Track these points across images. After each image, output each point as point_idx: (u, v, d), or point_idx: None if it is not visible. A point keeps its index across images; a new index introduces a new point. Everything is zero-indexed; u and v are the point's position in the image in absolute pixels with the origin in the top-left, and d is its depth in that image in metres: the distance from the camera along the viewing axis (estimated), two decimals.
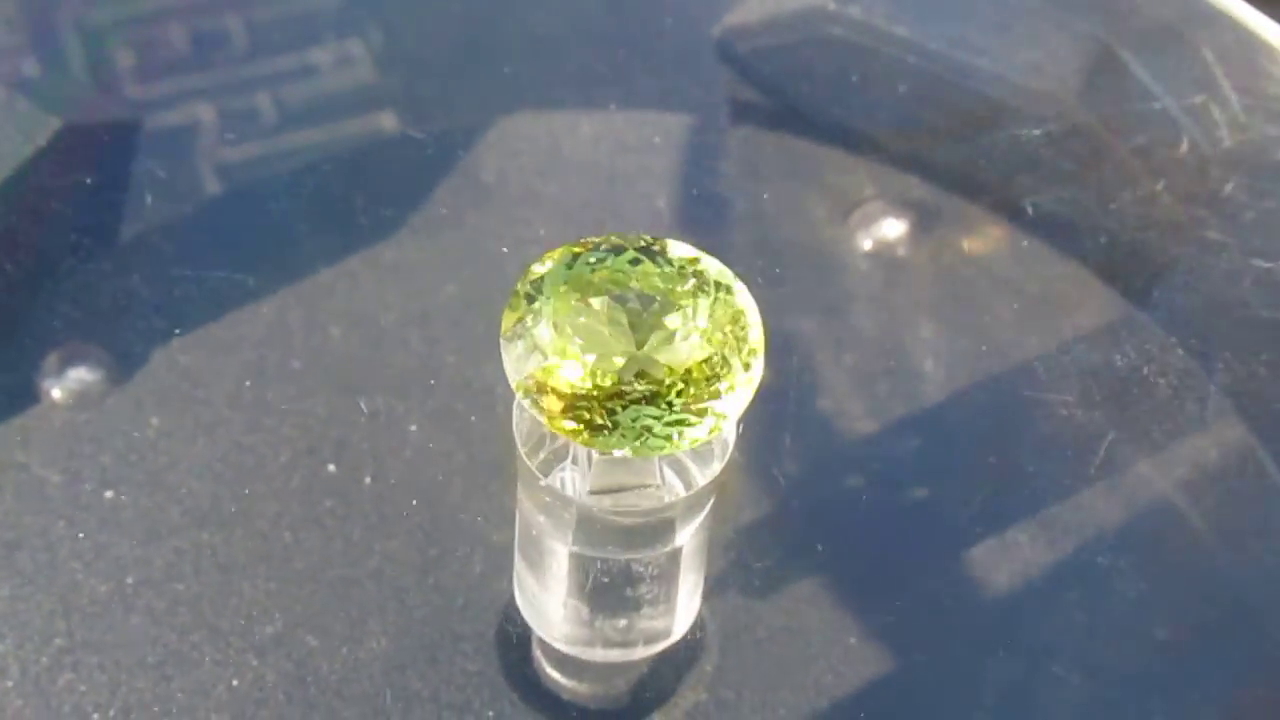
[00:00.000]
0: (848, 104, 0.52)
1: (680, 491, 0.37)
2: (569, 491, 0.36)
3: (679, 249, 0.34)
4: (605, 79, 0.52)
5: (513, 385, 0.33)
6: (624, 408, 0.32)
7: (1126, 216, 0.50)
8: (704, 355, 0.33)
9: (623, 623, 0.38)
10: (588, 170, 0.50)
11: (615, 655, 0.39)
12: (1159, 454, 0.45)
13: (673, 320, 0.33)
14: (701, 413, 0.33)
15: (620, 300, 0.33)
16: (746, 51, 0.53)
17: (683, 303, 0.33)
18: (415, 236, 0.48)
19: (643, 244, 0.34)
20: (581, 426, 0.32)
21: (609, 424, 0.32)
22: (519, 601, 0.40)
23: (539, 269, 0.33)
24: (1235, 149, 0.50)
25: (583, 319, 0.32)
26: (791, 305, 0.47)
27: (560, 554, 0.37)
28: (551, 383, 0.32)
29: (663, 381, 0.32)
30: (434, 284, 0.47)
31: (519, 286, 0.33)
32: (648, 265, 0.33)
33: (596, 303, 0.33)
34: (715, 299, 0.33)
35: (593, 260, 0.33)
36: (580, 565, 0.37)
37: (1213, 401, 0.46)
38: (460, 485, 0.43)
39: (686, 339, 0.33)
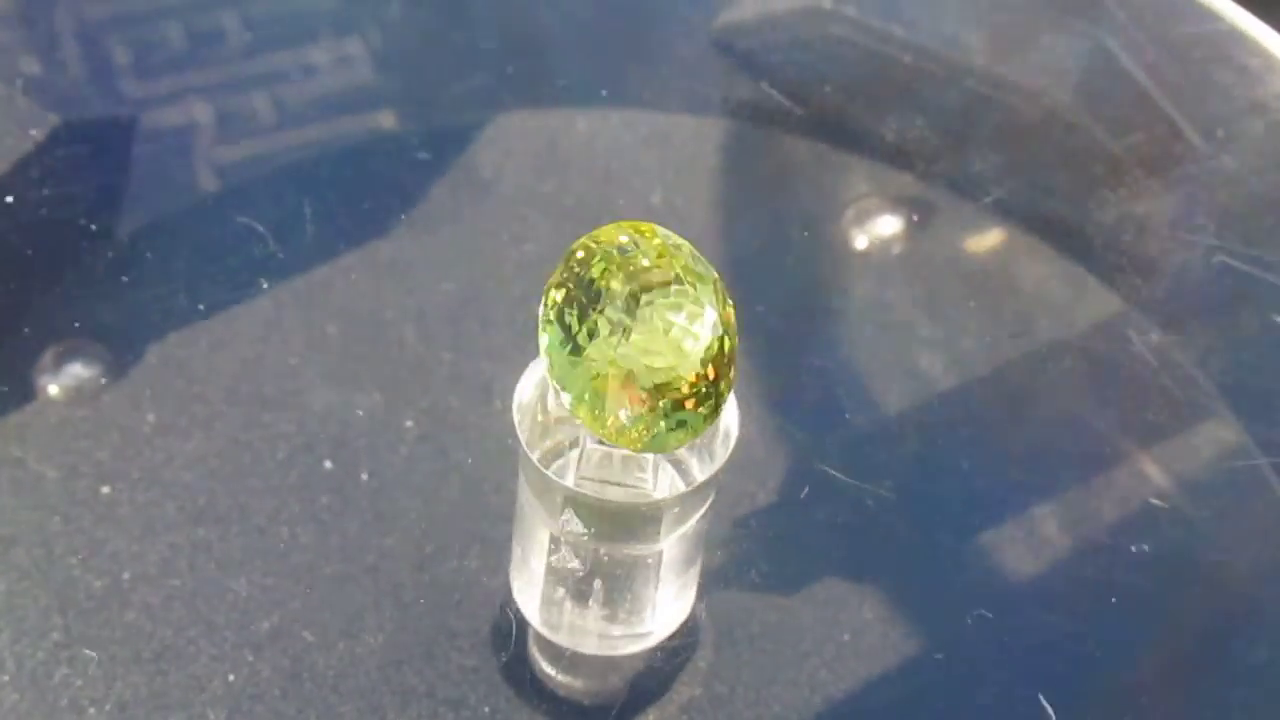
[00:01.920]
0: (843, 102, 0.52)
1: (671, 489, 0.37)
2: (565, 479, 0.36)
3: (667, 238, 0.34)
4: (601, 77, 0.53)
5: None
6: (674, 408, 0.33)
7: (1122, 215, 0.50)
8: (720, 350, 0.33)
9: (588, 614, 0.38)
10: (584, 167, 0.50)
11: (582, 643, 0.39)
12: (1155, 451, 0.45)
13: (694, 317, 0.33)
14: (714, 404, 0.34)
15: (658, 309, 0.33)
16: (742, 50, 0.54)
17: (703, 301, 0.33)
18: (412, 234, 0.48)
19: (639, 236, 0.34)
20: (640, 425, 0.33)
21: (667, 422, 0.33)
22: (511, 576, 0.40)
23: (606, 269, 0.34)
24: (1231, 149, 0.50)
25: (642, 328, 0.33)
26: (786, 302, 0.47)
27: (544, 535, 0.37)
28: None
29: (693, 381, 0.33)
30: (431, 281, 0.47)
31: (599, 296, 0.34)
32: (663, 264, 0.34)
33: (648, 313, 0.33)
34: (720, 298, 0.34)
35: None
36: (557, 549, 0.37)
37: (1208, 399, 0.46)
38: (457, 482, 0.43)
39: (705, 337, 0.33)
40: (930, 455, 0.44)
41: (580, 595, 0.38)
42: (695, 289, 0.33)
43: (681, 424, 0.33)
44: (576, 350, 0.33)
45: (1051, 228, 0.49)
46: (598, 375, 0.33)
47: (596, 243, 0.34)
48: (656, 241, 0.34)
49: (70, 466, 0.42)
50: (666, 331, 0.33)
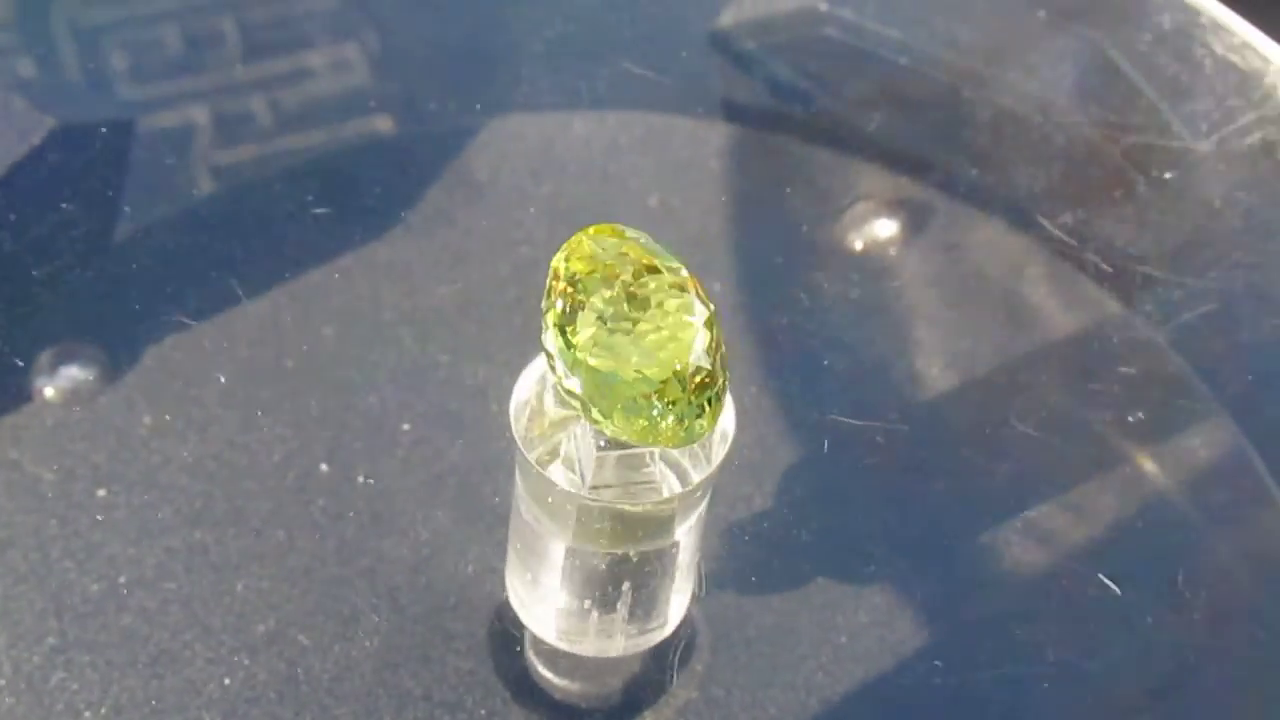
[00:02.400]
0: (840, 105, 0.52)
1: (677, 487, 0.37)
2: (571, 488, 0.36)
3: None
4: (598, 79, 0.53)
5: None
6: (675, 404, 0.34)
7: (1119, 217, 0.50)
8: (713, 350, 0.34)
9: (615, 618, 0.38)
10: (580, 170, 0.50)
11: (608, 648, 0.39)
12: (1151, 453, 0.45)
13: (684, 301, 0.34)
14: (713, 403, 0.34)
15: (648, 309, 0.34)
16: (739, 52, 0.54)
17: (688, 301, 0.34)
18: (408, 236, 0.48)
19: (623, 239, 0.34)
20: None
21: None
22: (512, 601, 0.40)
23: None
24: (1226, 152, 0.51)
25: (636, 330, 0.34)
26: (783, 305, 0.47)
27: (557, 550, 0.37)
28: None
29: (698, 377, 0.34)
30: (427, 283, 0.47)
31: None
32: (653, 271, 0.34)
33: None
34: (691, 277, 0.34)
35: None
36: (576, 560, 0.37)
37: (1203, 401, 0.46)
38: (453, 484, 0.43)
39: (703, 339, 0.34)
40: (926, 457, 0.44)
41: (607, 601, 0.38)
42: (671, 274, 0.34)
43: (705, 406, 0.34)
44: (589, 368, 0.33)
45: (1047, 229, 0.49)
46: (621, 382, 0.33)
47: (571, 258, 0.34)
48: (619, 241, 0.34)
49: (66, 469, 0.42)
50: (668, 322, 0.33)
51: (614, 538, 0.36)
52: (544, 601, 0.39)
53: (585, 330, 0.33)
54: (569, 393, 0.34)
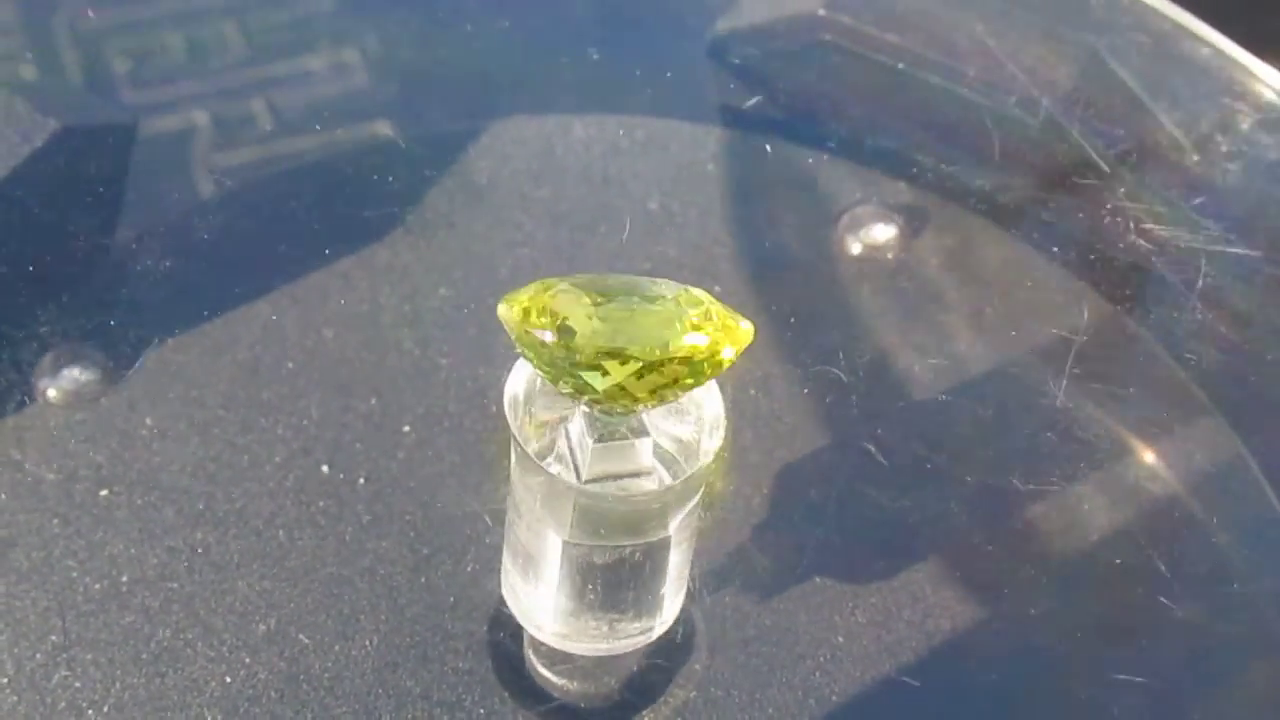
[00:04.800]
0: (838, 109, 0.52)
1: (668, 479, 0.37)
2: (569, 479, 0.36)
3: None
4: (598, 84, 0.53)
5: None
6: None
7: (1113, 221, 0.50)
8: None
9: (611, 616, 0.39)
10: (580, 173, 0.50)
11: (605, 647, 0.39)
12: (1149, 454, 0.45)
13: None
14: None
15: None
16: (738, 57, 0.54)
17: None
18: (408, 239, 0.48)
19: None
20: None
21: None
22: (509, 601, 0.40)
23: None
24: (1218, 155, 0.51)
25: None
26: (781, 308, 0.47)
27: (554, 548, 0.37)
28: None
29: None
30: (427, 286, 0.47)
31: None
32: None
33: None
34: None
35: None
36: (572, 556, 0.37)
37: (1196, 398, 0.46)
38: (452, 485, 0.43)
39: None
40: (923, 458, 0.45)
41: (604, 599, 0.38)
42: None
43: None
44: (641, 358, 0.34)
45: (1043, 233, 0.49)
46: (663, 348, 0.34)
47: (537, 317, 0.34)
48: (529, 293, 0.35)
49: (69, 470, 0.43)
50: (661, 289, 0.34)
51: (610, 531, 0.36)
52: (541, 601, 0.39)
53: (585, 322, 0.34)
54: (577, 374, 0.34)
